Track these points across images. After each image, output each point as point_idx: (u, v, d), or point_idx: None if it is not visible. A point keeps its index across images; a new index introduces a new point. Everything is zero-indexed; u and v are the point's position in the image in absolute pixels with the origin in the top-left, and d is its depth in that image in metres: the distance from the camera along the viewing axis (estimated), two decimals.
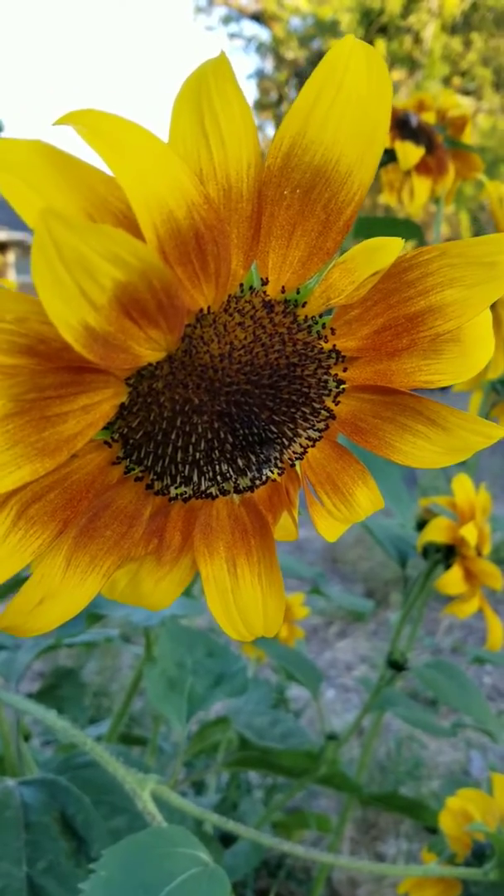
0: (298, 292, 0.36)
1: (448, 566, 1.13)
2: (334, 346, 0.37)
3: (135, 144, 0.27)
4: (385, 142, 0.33)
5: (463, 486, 1.11)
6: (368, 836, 1.95)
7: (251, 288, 0.35)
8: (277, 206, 0.33)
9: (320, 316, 0.37)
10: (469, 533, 1.05)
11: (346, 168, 0.32)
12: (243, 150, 0.31)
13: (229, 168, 0.31)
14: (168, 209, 0.29)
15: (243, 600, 0.43)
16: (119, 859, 0.50)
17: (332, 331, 0.37)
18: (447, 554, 1.14)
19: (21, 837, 0.69)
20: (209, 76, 0.30)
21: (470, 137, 1.30)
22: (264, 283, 0.35)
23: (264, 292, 0.35)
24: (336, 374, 0.38)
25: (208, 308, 0.33)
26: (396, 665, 1.23)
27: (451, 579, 1.09)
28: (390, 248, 0.33)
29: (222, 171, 0.31)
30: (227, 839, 1.50)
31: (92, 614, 1.04)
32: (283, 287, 0.35)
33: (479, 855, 0.86)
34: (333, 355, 0.37)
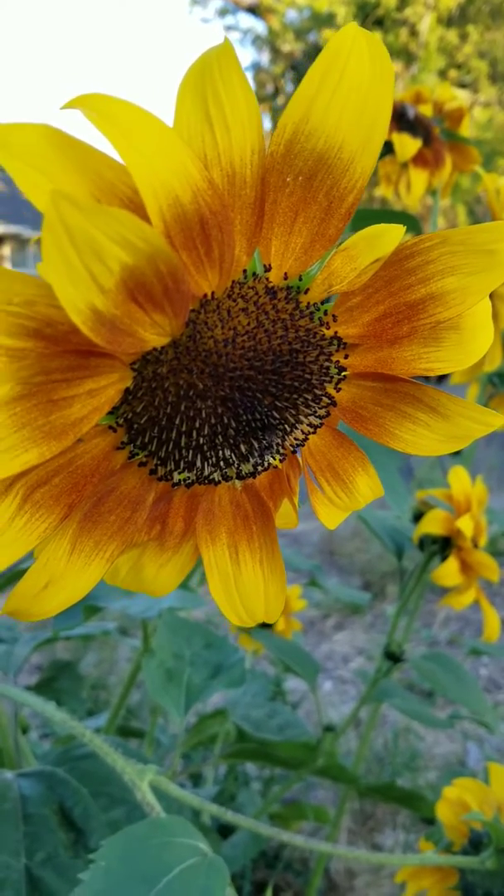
0: (301, 279, 0.36)
1: (444, 558, 1.13)
2: (336, 332, 0.38)
3: (143, 129, 0.28)
4: (387, 128, 0.33)
5: (459, 478, 1.12)
6: (366, 828, 1.96)
7: (254, 274, 0.35)
8: (280, 192, 0.33)
9: (322, 303, 0.37)
10: (465, 525, 1.06)
11: (349, 155, 0.33)
12: (247, 136, 0.31)
13: (233, 154, 0.31)
14: (174, 194, 0.29)
15: (245, 586, 0.43)
16: (118, 850, 0.50)
17: (334, 317, 0.37)
18: (443, 546, 1.15)
19: (20, 829, 0.69)
20: (213, 63, 0.30)
21: (467, 130, 1.30)
22: (267, 269, 0.35)
23: (267, 279, 0.35)
24: (337, 361, 0.39)
25: (212, 294, 0.33)
26: (393, 657, 1.23)
27: (447, 571, 1.09)
28: (392, 235, 0.34)
29: (226, 158, 0.31)
30: (224, 831, 1.50)
31: (89, 607, 1.04)
32: (285, 273, 0.35)
33: (475, 844, 0.86)
34: (335, 342, 0.38)
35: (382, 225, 0.34)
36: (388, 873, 1.70)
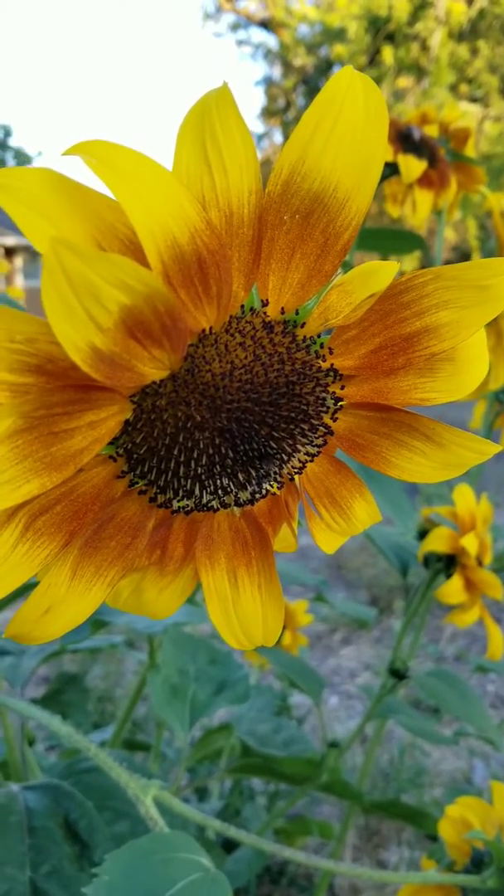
0: (297, 313, 0.37)
1: (449, 575, 1.13)
2: (332, 364, 0.39)
3: (140, 174, 0.29)
4: (381, 169, 0.34)
5: (464, 496, 1.12)
6: (371, 844, 1.95)
7: (252, 309, 0.36)
8: (277, 230, 0.34)
9: (319, 336, 0.38)
10: (469, 543, 1.06)
11: (344, 194, 0.34)
12: (245, 177, 0.32)
13: (231, 195, 0.32)
14: (172, 235, 0.30)
15: (243, 610, 0.44)
16: (121, 864, 0.51)
17: (330, 350, 0.38)
18: (448, 563, 1.15)
19: (25, 842, 0.69)
20: (212, 106, 0.31)
21: (473, 150, 1.31)
22: (264, 304, 0.36)
23: (264, 313, 0.36)
24: (334, 392, 0.40)
25: (210, 328, 0.34)
26: (398, 673, 1.23)
27: (452, 589, 1.10)
28: (386, 272, 0.35)
29: (224, 198, 0.32)
30: (229, 845, 1.50)
31: (97, 621, 1.05)
32: (282, 308, 0.36)
33: (477, 862, 0.87)
34: (331, 374, 0.39)
35: (377, 262, 0.35)
36: (392, 890, 1.69)
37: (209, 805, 1.64)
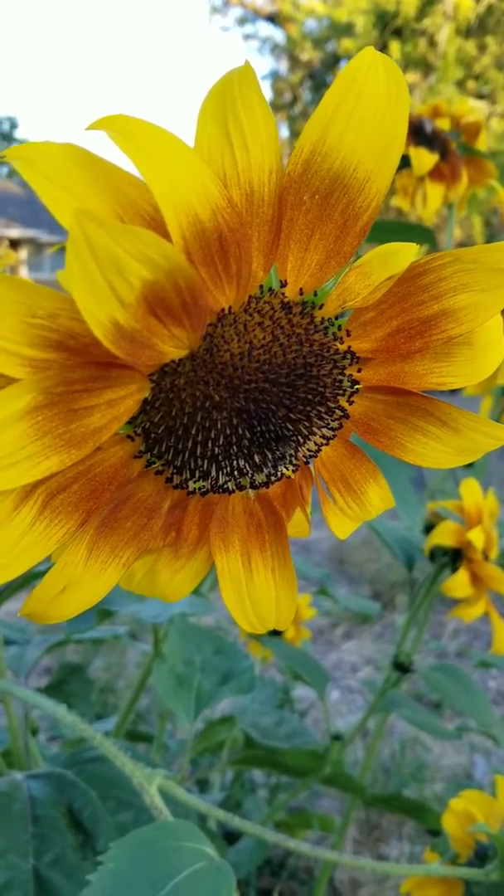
0: (316, 294, 0.37)
1: (455, 570, 1.13)
2: (349, 347, 0.38)
3: (164, 150, 0.29)
4: (401, 150, 0.34)
5: (471, 490, 1.12)
6: (371, 838, 1.95)
7: (270, 289, 0.36)
8: (297, 210, 0.34)
9: (336, 318, 0.38)
10: (476, 537, 1.06)
11: (364, 175, 0.33)
12: (266, 156, 0.32)
13: (252, 173, 0.32)
14: (194, 212, 0.30)
15: (257, 593, 0.44)
16: (126, 852, 0.51)
17: (348, 332, 0.38)
18: (454, 557, 1.15)
19: (28, 830, 0.70)
20: (234, 85, 0.31)
21: (484, 144, 1.31)
22: (283, 284, 0.36)
23: (283, 294, 0.36)
24: (350, 375, 0.39)
25: (229, 308, 0.34)
26: (402, 667, 1.23)
27: (458, 583, 1.10)
28: (405, 254, 0.34)
29: (245, 177, 0.32)
30: (230, 837, 1.50)
31: (102, 610, 1.05)
32: (300, 289, 0.36)
33: (481, 856, 0.87)
34: (348, 356, 0.39)
35: (396, 244, 0.35)
36: (393, 884, 1.69)
37: (210, 797, 1.64)
